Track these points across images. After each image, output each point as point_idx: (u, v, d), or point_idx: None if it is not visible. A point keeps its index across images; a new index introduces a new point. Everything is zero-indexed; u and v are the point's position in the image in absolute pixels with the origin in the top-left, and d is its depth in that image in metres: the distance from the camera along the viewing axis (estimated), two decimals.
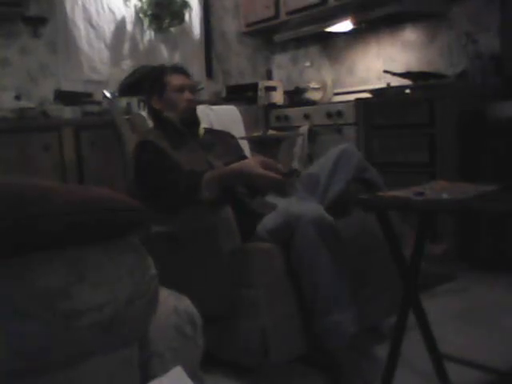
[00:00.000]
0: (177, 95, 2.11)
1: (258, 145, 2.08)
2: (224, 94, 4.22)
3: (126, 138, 2.19)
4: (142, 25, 4.02)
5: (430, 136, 2.82)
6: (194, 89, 2.20)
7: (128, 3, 3.96)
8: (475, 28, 3.17)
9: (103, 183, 2.73)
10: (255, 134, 2.06)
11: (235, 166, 1.76)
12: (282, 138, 2.11)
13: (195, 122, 2.19)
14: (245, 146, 2.49)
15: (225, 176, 1.76)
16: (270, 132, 2.03)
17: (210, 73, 4.38)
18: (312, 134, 3.40)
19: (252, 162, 1.72)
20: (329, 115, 3.39)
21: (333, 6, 3.60)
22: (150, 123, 2.25)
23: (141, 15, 3.98)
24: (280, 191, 1.81)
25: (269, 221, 1.83)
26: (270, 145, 2.03)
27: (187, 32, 4.24)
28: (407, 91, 3.13)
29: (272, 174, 1.67)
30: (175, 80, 2.13)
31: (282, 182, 1.70)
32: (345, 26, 3.69)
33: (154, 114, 2.18)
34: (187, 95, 2.13)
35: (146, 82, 2.33)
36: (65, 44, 3.70)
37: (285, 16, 3.99)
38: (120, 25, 3.94)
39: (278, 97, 4.04)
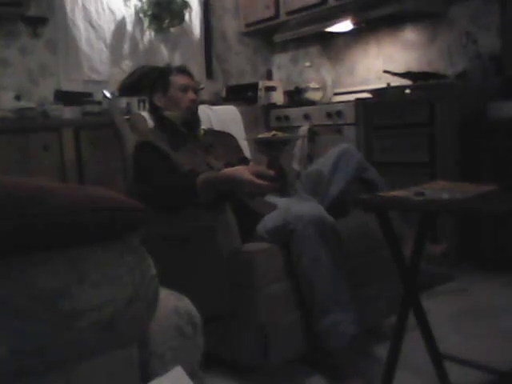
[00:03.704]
0: (180, 94, 2.14)
1: (262, 145, 2.08)
2: (224, 94, 4.22)
3: (125, 138, 2.19)
4: (142, 25, 4.02)
5: (429, 136, 2.82)
6: (196, 90, 2.24)
7: (128, 3, 3.96)
8: (475, 28, 3.17)
9: (103, 183, 2.74)
10: (260, 136, 2.05)
11: (228, 171, 1.76)
12: (287, 140, 2.11)
13: (196, 122, 2.20)
14: (245, 146, 2.49)
15: (217, 180, 1.76)
16: (277, 134, 2.02)
17: (210, 73, 4.38)
18: (312, 134, 3.40)
19: (245, 169, 1.73)
20: (329, 115, 3.39)
21: (333, 6, 3.61)
22: (151, 123, 2.25)
23: (141, 15, 3.98)
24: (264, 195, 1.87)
25: (269, 221, 1.83)
26: (274, 146, 2.03)
27: (187, 32, 4.24)
28: (407, 91, 3.13)
29: (260, 182, 1.68)
30: (180, 79, 2.16)
31: (267, 189, 1.72)
32: (345, 26, 3.69)
33: (155, 111, 2.19)
34: (191, 95, 2.15)
35: (149, 78, 2.35)
36: (65, 44, 3.70)
37: (285, 16, 4.00)
38: (120, 25, 3.94)
39: (278, 97, 4.04)
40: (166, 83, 2.16)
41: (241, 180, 1.68)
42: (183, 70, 2.23)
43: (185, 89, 2.15)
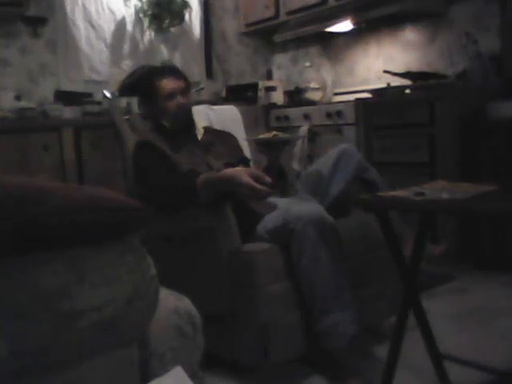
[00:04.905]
0: (167, 103, 2.06)
1: (262, 146, 2.08)
2: (224, 94, 4.22)
3: (125, 138, 2.19)
4: (142, 25, 4.02)
5: (429, 136, 2.82)
6: (186, 91, 2.12)
7: (128, 3, 3.96)
8: (475, 28, 3.17)
9: (103, 183, 2.74)
10: (261, 136, 2.05)
11: (228, 172, 1.74)
12: (287, 141, 2.10)
13: (189, 123, 2.15)
14: (245, 146, 2.49)
15: (216, 180, 1.74)
16: (278, 134, 2.01)
17: (210, 73, 4.38)
18: (312, 134, 3.40)
19: (244, 171, 1.71)
20: (329, 115, 3.39)
21: (333, 6, 3.61)
22: (150, 123, 2.24)
23: (141, 15, 3.99)
24: (261, 200, 1.84)
25: (269, 221, 1.83)
26: (274, 146, 2.03)
27: (187, 32, 4.24)
28: (407, 91, 3.13)
29: (259, 186, 1.66)
30: (165, 85, 2.06)
31: (265, 194, 1.70)
32: (345, 26, 3.69)
33: (150, 118, 2.17)
34: (179, 99, 2.07)
35: (139, 88, 2.30)
36: (65, 44, 3.70)
37: (285, 16, 4.00)
38: (120, 25, 3.94)
39: (278, 97, 4.04)
40: (152, 93, 2.08)
41: (239, 182, 1.66)
42: (167, 71, 2.13)
43: (170, 95, 2.06)
